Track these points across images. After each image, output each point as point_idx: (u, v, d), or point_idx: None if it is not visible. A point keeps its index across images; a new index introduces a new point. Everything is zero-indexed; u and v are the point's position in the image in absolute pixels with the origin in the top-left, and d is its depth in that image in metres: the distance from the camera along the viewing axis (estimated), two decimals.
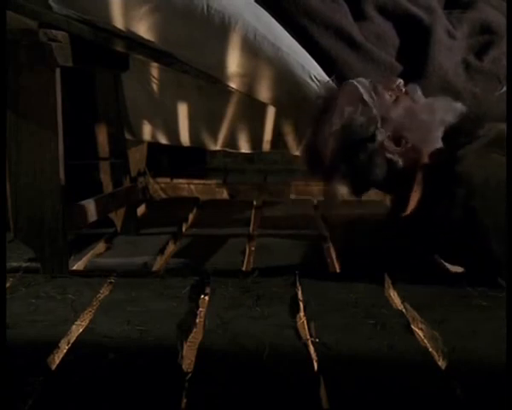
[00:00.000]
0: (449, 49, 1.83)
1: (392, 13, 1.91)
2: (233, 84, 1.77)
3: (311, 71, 1.74)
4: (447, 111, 1.49)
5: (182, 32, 1.71)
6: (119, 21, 1.70)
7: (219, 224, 2.27)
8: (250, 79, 1.75)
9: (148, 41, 1.72)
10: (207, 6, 1.68)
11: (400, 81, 1.58)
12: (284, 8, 1.82)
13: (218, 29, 1.69)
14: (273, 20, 1.78)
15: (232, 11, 1.70)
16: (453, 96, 1.74)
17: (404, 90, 1.56)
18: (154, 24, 1.69)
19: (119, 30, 1.72)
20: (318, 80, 1.74)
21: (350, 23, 1.84)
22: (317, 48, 1.78)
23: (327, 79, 1.75)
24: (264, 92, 1.77)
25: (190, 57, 1.75)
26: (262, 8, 1.80)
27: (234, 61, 1.72)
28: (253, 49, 1.71)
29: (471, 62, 1.82)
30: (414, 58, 1.80)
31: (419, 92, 1.56)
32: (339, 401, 0.92)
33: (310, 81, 1.74)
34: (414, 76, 1.77)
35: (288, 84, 1.75)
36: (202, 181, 2.96)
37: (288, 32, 1.77)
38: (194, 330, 1.25)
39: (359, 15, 1.89)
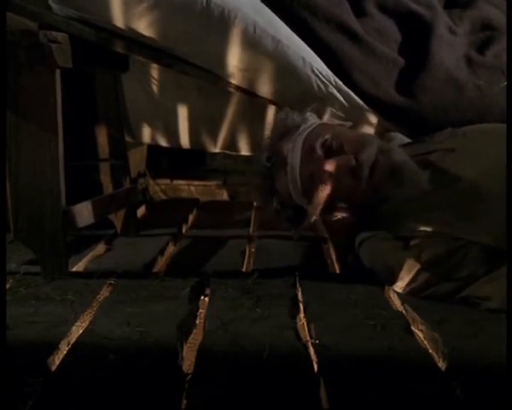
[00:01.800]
0: (450, 44, 1.83)
1: (392, 11, 1.91)
2: (233, 80, 1.76)
3: (312, 64, 1.74)
4: None
5: (181, 28, 1.71)
6: (118, 19, 1.70)
7: (219, 225, 2.27)
8: (251, 73, 1.75)
9: (149, 38, 1.72)
10: (207, 0, 1.68)
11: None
12: (285, 1, 1.81)
13: (218, 23, 1.69)
14: (273, 14, 1.78)
15: (232, 5, 1.70)
16: (456, 88, 1.75)
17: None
18: (154, 20, 1.69)
19: (119, 29, 1.72)
20: (319, 73, 1.74)
21: (351, 18, 1.84)
22: (319, 41, 1.77)
23: (328, 71, 1.75)
24: (264, 86, 1.77)
25: (190, 53, 1.74)
26: (261, 2, 1.80)
27: (234, 55, 1.72)
28: (253, 43, 1.71)
29: (473, 57, 1.82)
30: (416, 53, 1.80)
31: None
32: (339, 402, 0.92)
33: (311, 74, 1.73)
34: (416, 70, 1.77)
35: (288, 77, 1.74)
36: (202, 182, 2.96)
37: (288, 25, 1.77)
38: (195, 331, 1.25)
39: (360, 13, 1.89)
